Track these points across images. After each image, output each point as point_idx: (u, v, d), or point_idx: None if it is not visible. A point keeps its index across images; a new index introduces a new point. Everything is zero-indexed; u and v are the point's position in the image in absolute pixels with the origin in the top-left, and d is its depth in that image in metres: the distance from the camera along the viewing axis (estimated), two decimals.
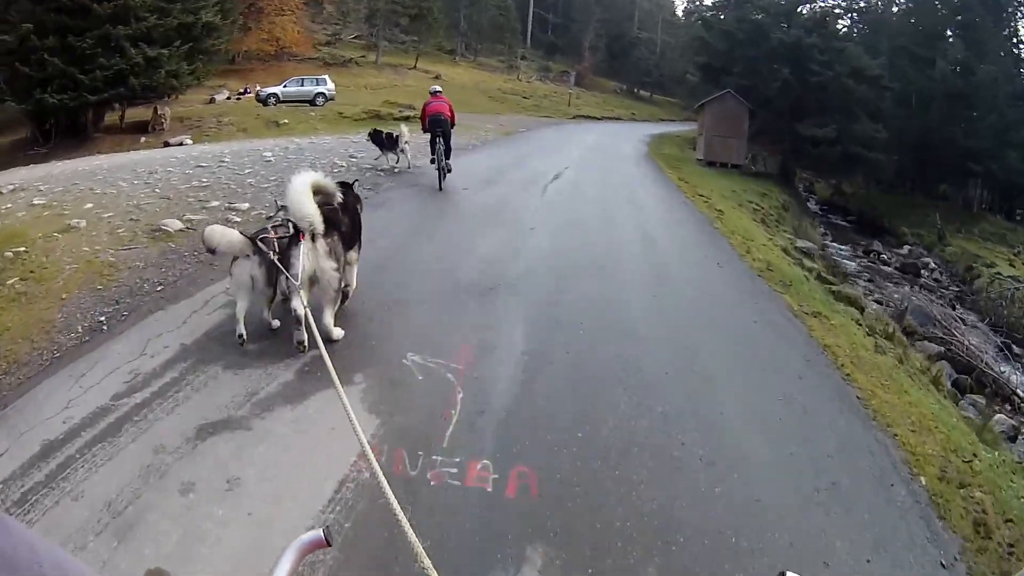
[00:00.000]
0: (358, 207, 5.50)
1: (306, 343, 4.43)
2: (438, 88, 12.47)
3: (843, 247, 24.07)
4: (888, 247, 26.24)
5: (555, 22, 63.01)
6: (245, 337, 4.66)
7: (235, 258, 4.45)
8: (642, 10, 65.56)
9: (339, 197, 4.63)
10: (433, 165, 11.87)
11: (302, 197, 3.97)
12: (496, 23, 53.39)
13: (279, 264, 4.13)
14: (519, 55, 55.57)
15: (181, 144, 21.06)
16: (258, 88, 31.20)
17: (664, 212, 12.40)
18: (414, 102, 31.23)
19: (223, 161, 13.72)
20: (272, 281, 4.50)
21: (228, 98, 31.17)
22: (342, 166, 13.73)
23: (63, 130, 23.55)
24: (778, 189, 26.43)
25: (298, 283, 3.95)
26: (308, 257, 4.03)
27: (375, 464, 1.67)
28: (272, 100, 29.37)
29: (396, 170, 13.51)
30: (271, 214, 7.94)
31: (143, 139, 22.31)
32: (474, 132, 24.33)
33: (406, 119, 27.05)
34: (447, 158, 11.70)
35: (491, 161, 16.39)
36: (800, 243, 15.75)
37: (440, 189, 11.74)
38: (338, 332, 4.67)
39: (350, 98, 32.60)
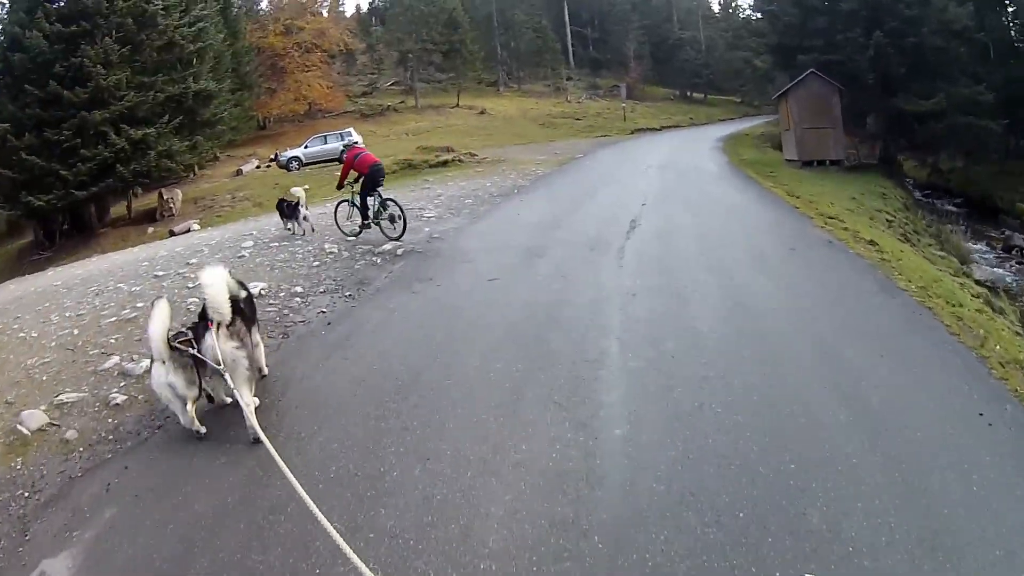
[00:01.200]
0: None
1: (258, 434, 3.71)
2: (356, 139, 11.85)
3: (977, 245, 18.86)
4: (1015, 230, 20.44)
5: (594, 37, 59.75)
6: (202, 432, 4.31)
7: (151, 363, 4.16)
8: (680, 9, 61.50)
9: (243, 293, 4.61)
10: (369, 226, 10.29)
11: (221, 288, 3.94)
12: (535, 47, 50.52)
13: (202, 356, 4.03)
14: (564, 76, 52.41)
15: (189, 231, 18.35)
16: (277, 153, 28.56)
17: (806, 267, 7.88)
18: (453, 143, 28.35)
19: (189, 262, 10.52)
20: (194, 381, 4.16)
21: (258, 167, 28.51)
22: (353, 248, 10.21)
23: (67, 229, 21.59)
24: (890, 184, 21.44)
25: (222, 367, 3.91)
26: (218, 345, 3.91)
27: None
28: (294, 164, 26.48)
29: (298, 239, 11.14)
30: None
31: (150, 229, 19.67)
32: (521, 169, 20.50)
33: (444, 163, 24.20)
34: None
35: (539, 209, 12.49)
36: (978, 273, 11.44)
37: (399, 238, 9.84)
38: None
39: (383, 149, 29.73)
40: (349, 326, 6.49)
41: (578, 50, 58.99)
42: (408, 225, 10.16)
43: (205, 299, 4.10)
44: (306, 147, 27.09)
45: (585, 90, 52.30)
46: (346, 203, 10.81)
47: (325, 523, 2.51)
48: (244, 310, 4.56)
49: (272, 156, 29.64)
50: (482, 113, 41.37)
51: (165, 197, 21.28)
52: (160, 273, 10.13)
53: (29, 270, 20.03)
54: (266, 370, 5.22)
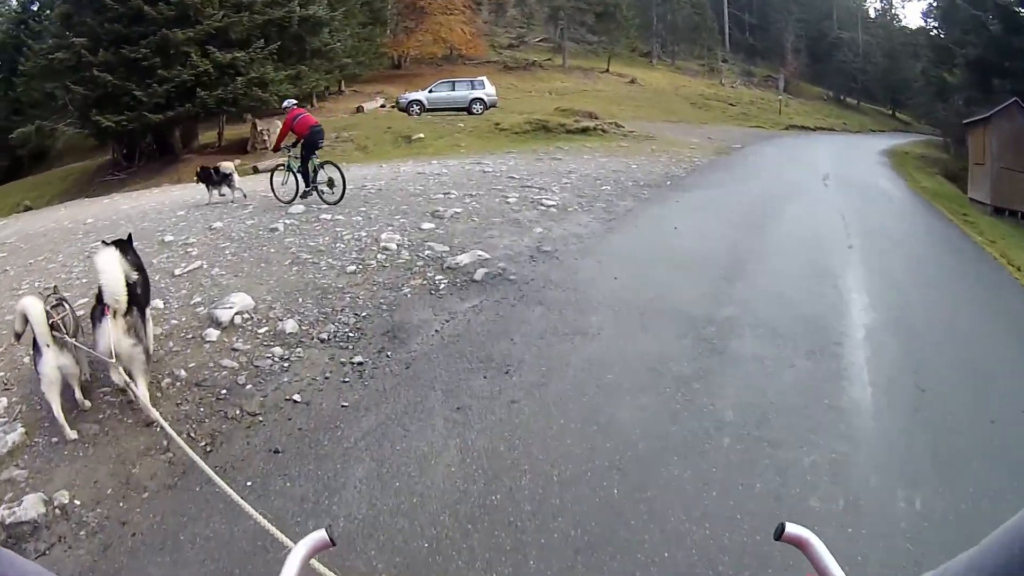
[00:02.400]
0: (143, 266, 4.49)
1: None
2: (294, 101, 10.49)
3: None
4: None
5: (751, 22, 54.74)
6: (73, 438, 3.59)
7: (36, 350, 3.58)
8: (840, 8, 55.38)
9: (134, 275, 3.91)
10: (309, 193, 9.58)
11: (116, 274, 3.51)
12: (692, 23, 45.98)
13: (83, 346, 3.71)
14: (719, 57, 47.75)
15: (276, 169, 15.93)
16: (397, 95, 25.59)
17: None
18: (597, 109, 24.63)
19: (213, 225, 7.76)
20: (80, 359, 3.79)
21: (382, 106, 25.60)
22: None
23: (151, 151, 19.56)
24: None
25: (112, 359, 3.42)
26: (113, 334, 3.49)
27: None
28: (415, 108, 23.16)
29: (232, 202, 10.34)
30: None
31: (236, 161, 17.45)
32: (673, 152, 16.49)
33: (584, 131, 20.55)
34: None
35: (704, 227, 8.19)
36: None
37: (337, 203, 9.02)
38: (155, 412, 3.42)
39: (519, 105, 26.23)
40: (305, 468, 3.06)
41: (734, 34, 54.03)
42: (504, 215, 7.98)
43: (101, 283, 3.54)
44: (430, 91, 23.79)
45: (739, 76, 47.66)
46: (282, 168, 10.18)
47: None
48: (140, 295, 3.99)
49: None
50: (632, 82, 37.57)
51: (259, 128, 18.52)
52: (172, 237, 7.34)
53: (98, 191, 18.39)
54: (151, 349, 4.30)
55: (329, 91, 26.85)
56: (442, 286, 5.34)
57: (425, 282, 5.41)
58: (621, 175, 11.68)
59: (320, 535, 0.88)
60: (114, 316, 3.52)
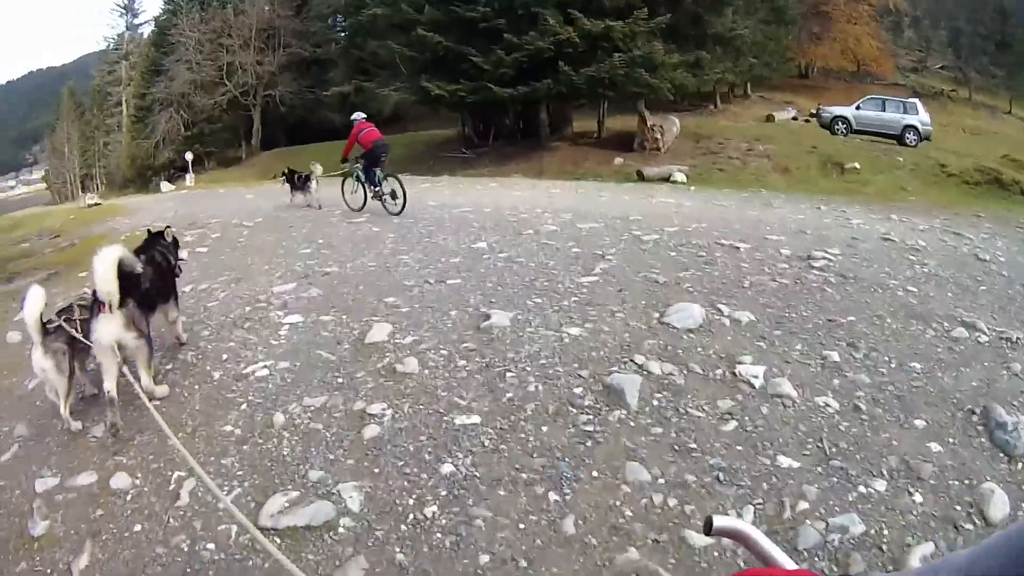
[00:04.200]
0: (167, 257, 4.83)
1: (119, 425, 3.66)
2: (363, 115, 10.43)
3: None
4: None
5: None
6: (74, 428, 3.86)
7: (31, 347, 3.84)
8: None
9: (138, 266, 4.11)
10: (372, 198, 10.05)
11: (107, 273, 3.63)
12: None
13: (81, 338, 3.84)
14: None
15: (668, 179, 12.00)
16: (820, 106, 20.74)
17: None
18: None
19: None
20: (65, 367, 3.82)
21: (794, 119, 21.52)
22: None
23: (509, 132, 17.09)
24: None
25: (106, 349, 3.67)
26: (109, 327, 3.70)
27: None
28: (840, 126, 18.20)
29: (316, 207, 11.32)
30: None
31: (617, 160, 13.78)
32: None
33: None
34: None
35: None
36: None
37: (399, 214, 9.56)
38: (161, 390, 4.11)
39: (949, 144, 19.74)
40: None
41: None
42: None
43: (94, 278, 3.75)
44: (857, 108, 18.45)
45: None
46: (351, 179, 10.62)
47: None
48: (151, 288, 4.31)
49: (813, 110, 22.09)
50: None
51: (649, 123, 14.91)
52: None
53: (436, 167, 16.46)
54: (184, 337, 4.89)
55: (734, 92, 23.17)
56: None
57: None
58: None
59: None
60: (110, 310, 3.65)
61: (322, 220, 9.59)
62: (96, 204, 25.91)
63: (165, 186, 29.70)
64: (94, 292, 3.83)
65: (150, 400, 3.66)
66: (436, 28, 14.95)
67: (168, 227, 5.10)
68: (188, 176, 29.46)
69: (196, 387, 4.04)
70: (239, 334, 4.76)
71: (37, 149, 71.45)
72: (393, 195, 9.62)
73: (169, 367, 4.45)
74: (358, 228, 8.42)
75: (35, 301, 3.65)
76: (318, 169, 11.67)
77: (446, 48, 14.92)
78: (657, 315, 4.32)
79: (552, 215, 8.28)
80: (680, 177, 12.02)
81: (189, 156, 30.23)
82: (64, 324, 3.87)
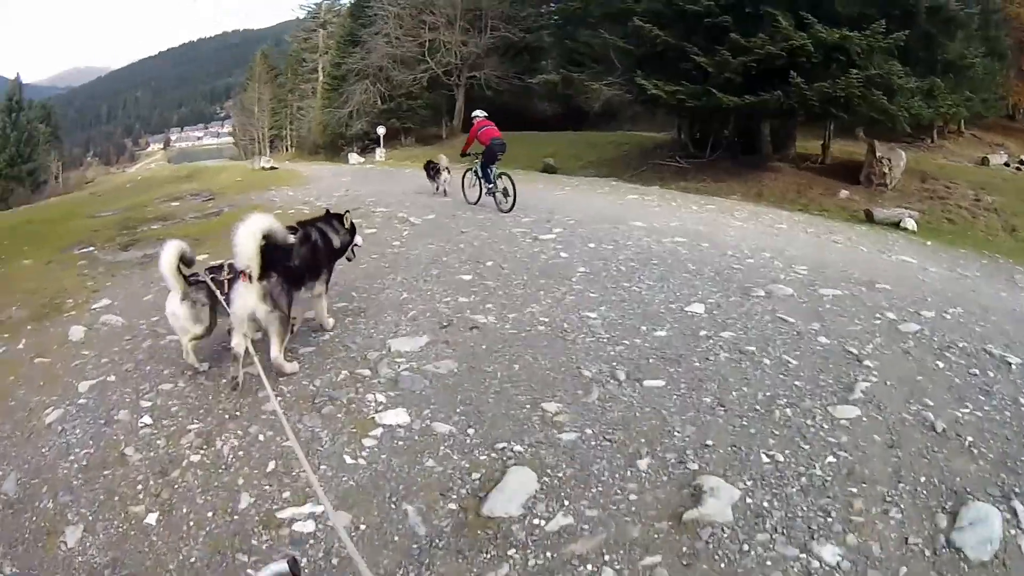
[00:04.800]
0: (328, 237, 4.82)
1: (239, 380, 3.84)
2: (484, 113, 11.24)
3: None
4: None
5: None
6: (200, 368, 4.19)
7: (170, 294, 4.09)
8: None
9: (290, 239, 4.10)
10: (487, 194, 10.73)
11: (247, 241, 3.70)
12: None
13: (220, 298, 3.98)
14: None
15: (898, 225, 11.47)
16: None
17: None
18: None
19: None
20: (205, 318, 4.10)
21: (1006, 164, 19.66)
22: None
23: (730, 145, 15.97)
24: None
25: (240, 317, 3.80)
26: (245, 297, 3.80)
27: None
28: None
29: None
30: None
31: (843, 193, 13.13)
32: None
33: None
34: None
35: None
36: None
37: (510, 211, 9.91)
38: (291, 366, 4.12)
39: None
40: None
41: None
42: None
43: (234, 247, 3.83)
44: None
45: None
46: (471, 172, 11.25)
47: None
48: (299, 265, 4.32)
49: None
50: None
51: (878, 154, 13.85)
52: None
53: (645, 176, 15.78)
54: (329, 324, 4.82)
55: (948, 127, 21.26)
56: None
57: None
58: None
59: (281, 567, 0.93)
60: (249, 280, 3.72)
61: (501, 232, 8.36)
62: (271, 168, 27.00)
63: (353, 158, 31.01)
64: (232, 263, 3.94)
65: (279, 376, 3.91)
66: (654, 20, 14.15)
67: (348, 211, 5.09)
68: (379, 151, 30.53)
69: None
70: (309, 423, 3.45)
71: (230, 104, 77.94)
72: (505, 193, 10.15)
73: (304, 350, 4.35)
74: (542, 250, 7.22)
75: (171, 251, 3.84)
76: (443, 160, 12.87)
77: (664, 43, 14.07)
78: (944, 522, 2.63)
79: (784, 266, 6.70)
80: (910, 224, 11.42)
81: (381, 130, 31.17)
82: (208, 281, 4.02)
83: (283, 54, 65.95)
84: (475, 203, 10.98)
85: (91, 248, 8.92)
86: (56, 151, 53.33)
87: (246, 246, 3.70)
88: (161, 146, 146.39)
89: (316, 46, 51.56)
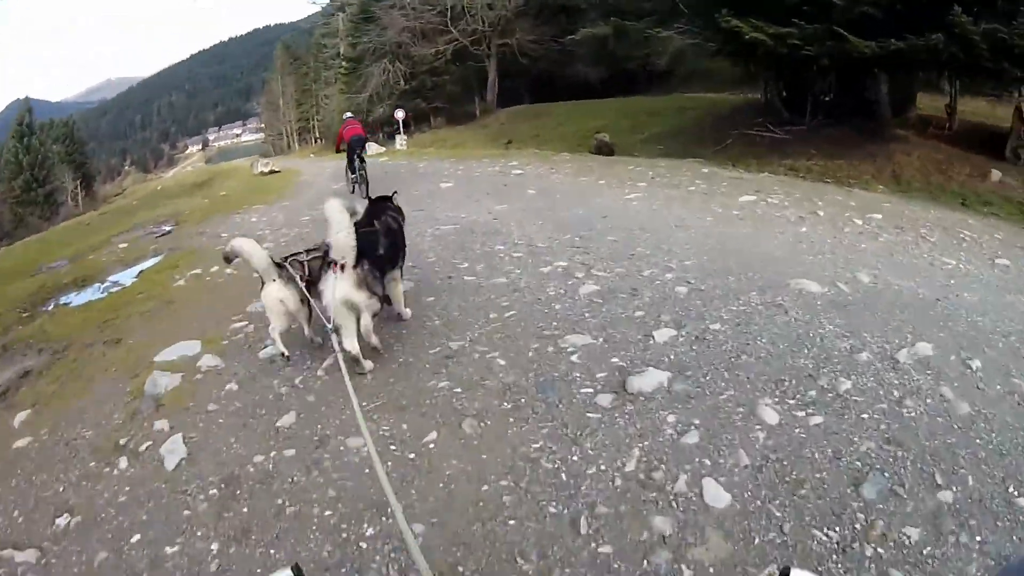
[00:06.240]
0: (399, 223, 4.76)
1: (366, 370, 3.95)
2: (351, 114, 13.93)
3: None
4: None
5: None
6: (287, 354, 4.30)
7: (263, 283, 4.14)
8: None
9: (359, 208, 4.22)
10: (356, 181, 12.29)
11: (347, 233, 3.70)
12: None
13: (308, 294, 4.06)
14: None
15: None
16: None
17: None
18: None
19: None
20: (305, 300, 4.19)
21: None
22: None
23: (835, 107, 11.90)
24: None
25: (331, 314, 3.69)
26: (339, 287, 3.75)
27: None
28: None
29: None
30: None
31: (995, 175, 9.19)
32: None
33: None
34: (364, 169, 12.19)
35: None
36: None
37: (353, 192, 11.98)
38: (375, 339, 4.11)
39: None
40: None
41: None
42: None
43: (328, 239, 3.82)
44: None
45: None
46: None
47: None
48: (383, 253, 4.21)
49: None
50: None
51: None
52: None
53: (736, 151, 11.93)
54: (407, 314, 4.73)
55: None
56: None
57: None
58: None
59: (285, 574, 0.94)
60: (342, 269, 3.73)
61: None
62: (272, 172, 23.48)
63: (372, 147, 28.21)
64: (326, 251, 3.85)
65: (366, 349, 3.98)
66: None
67: (395, 192, 5.01)
68: (399, 138, 27.10)
69: None
70: None
71: (264, 101, 76.93)
72: (361, 179, 12.12)
73: None
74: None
75: (254, 244, 4.13)
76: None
77: None
78: None
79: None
80: None
81: (399, 114, 27.95)
82: (288, 267, 4.13)
83: (308, 45, 63.56)
84: (353, 192, 12.37)
85: None
86: (71, 170, 51.71)
87: (342, 236, 3.71)
88: (200, 147, 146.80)
89: (336, 30, 48.88)
